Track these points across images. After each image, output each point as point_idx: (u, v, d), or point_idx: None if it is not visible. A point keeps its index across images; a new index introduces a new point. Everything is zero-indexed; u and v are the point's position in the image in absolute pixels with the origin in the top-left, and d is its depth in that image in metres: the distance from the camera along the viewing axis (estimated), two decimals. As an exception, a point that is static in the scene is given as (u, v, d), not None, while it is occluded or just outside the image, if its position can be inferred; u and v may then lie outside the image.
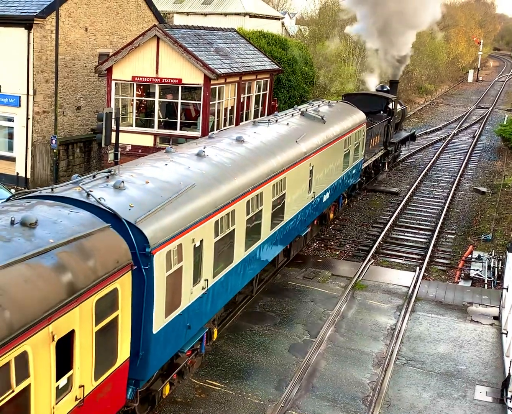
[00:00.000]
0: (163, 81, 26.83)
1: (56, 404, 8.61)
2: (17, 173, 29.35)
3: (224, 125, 28.39)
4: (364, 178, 32.07)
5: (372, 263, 22.48)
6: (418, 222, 28.45)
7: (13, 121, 29.21)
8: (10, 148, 29.61)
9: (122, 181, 11.77)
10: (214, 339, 15.21)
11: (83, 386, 9.23)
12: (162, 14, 40.09)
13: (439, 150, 45.05)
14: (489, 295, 19.94)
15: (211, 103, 27.00)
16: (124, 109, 27.94)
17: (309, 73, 42.10)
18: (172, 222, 11.74)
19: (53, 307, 8.29)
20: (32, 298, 8.05)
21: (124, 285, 10.03)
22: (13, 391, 7.68)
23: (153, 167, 13.46)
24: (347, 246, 24.88)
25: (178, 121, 27.23)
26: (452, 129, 54.48)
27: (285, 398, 13.53)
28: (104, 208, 10.72)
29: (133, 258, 10.34)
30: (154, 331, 11.29)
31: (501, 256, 23.22)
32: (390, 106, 36.25)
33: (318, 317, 17.63)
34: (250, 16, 59.92)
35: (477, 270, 22.71)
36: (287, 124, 20.94)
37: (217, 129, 27.09)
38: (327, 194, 23.27)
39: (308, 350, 15.64)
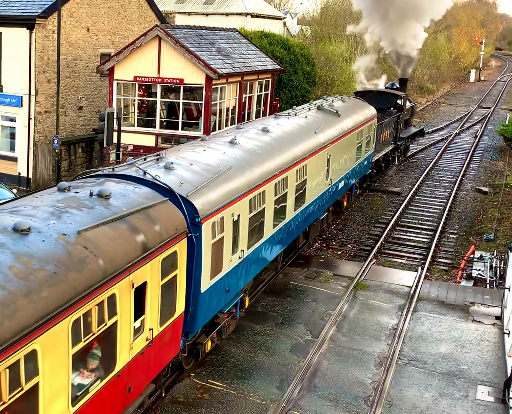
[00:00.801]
0: (164, 81, 26.84)
1: (133, 341, 10.42)
2: (19, 173, 29.38)
3: (226, 125, 28.39)
4: (375, 171, 33.46)
5: (374, 263, 22.47)
6: (420, 222, 28.43)
7: (15, 121, 29.23)
8: (12, 148, 29.63)
9: (171, 163, 13.57)
10: (245, 307, 16.84)
11: (151, 329, 11.00)
12: (163, 14, 40.12)
13: (441, 149, 45.03)
14: (491, 295, 19.92)
15: (212, 103, 27.00)
16: (126, 109, 27.96)
17: (311, 73, 42.07)
18: (216, 198, 13.55)
19: (132, 261, 10.04)
20: (117, 252, 9.78)
21: (181, 249, 11.81)
22: (106, 324, 9.44)
23: (194, 152, 15.34)
24: (349, 246, 24.88)
25: (180, 121, 27.24)
26: (454, 129, 54.46)
27: (287, 398, 13.53)
28: (160, 184, 12.49)
29: None
30: (202, 290, 13.09)
31: (503, 256, 23.20)
32: (400, 102, 37.50)
33: (320, 317, 17.62)
34: (252, 16, 59.89)
35: (479, 270, 22.69)
36: (306, 117, 22.54)
37: (218, 129, 27.13)
38: (342, 182, 25.06)
39: (310, 350, 15.64)
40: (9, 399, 7.47)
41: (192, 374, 14.18)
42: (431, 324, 17.65)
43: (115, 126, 22.60)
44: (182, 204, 12.34)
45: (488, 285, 21.47)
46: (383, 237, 25.33)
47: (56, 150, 28.17)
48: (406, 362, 15.46)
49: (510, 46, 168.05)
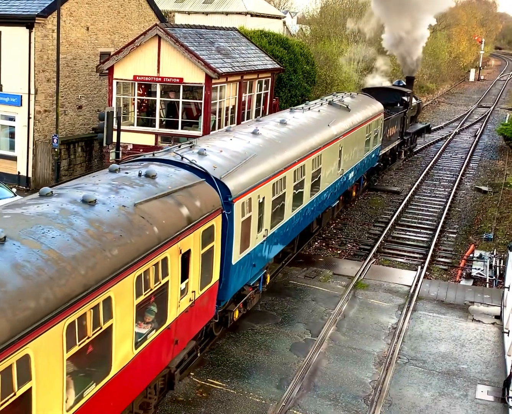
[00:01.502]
0: (164, 80, 26.82)
1: (180, 300, 11.97)
2: (19, 172, 29.37)
3: (226, 124, 28.37)
4: (382, 164, 34.65)
5: (373, 262, 22.47)
6: (419, 221, 28.44)
7: (14, 120, 29.21)
8: (12, 148, 29.61)
9: (204, 149, 15.13)
10: (267, 283, 18.20)
11: (194, 292, 12.56)
12: (163, 13, 40.08)
13: (441, 149, 45.05)
14: (490, 294, 19.93)
15: (212, 102, 26.99)
16: (126, 108, 27.95)
17: (310, 72, 42.07)
18: (244, 181, 15.03)
19: (180, 230, 11.59)
20: (167, 222, 11.31)
21: (217, 224, 13.41)
22: (160, 283, 10.97)
23: (222, 141, 16.87)
24: (348, 245, 24.88)
25: (180, 120, 27.23)
26: (454, 128, 54.46)
27: (287, 397, 13.53)
28: (197, 167, 13.99)
29: None
30: (233, 262, 14.57)
31: (502, 255, 23.21)
32: (406, 99, 39.07)
33: (320, 316, 17.62)
34: (252, 15, 59.87)
35: (478, 269, 22.70)
36: (319, 111, 24.00)
37: (218, 128, 27.13)
38: (352, 173, 26.64)
39: (310, 349, 15.65)
40: (93, 334, 9.07)
41: (191, 373, 14.19)
42: (431, 323, 17.65)
43: (115, 125, 22.59)
44: (216, 185, 13.78)
45: (487, 284, 21.47)
46: (382, 236, 25.34)
47: (56, 149, 28.17)
48: (406, 361, 15.46)
49: (510, 45, 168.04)
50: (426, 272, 22.02)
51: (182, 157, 14.30)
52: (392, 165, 37.75)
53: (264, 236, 16.45)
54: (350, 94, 31.13)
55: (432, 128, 49.57)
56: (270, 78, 33.08)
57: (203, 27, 31.11)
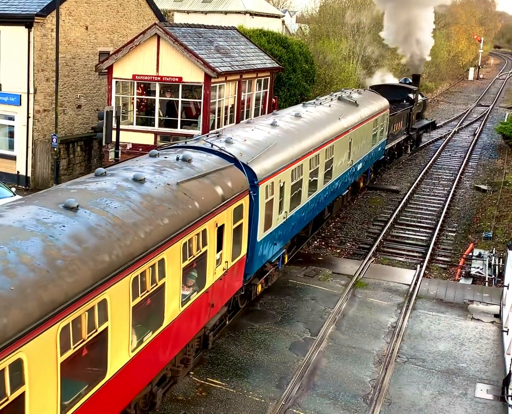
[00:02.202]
0: (163, 79, 26.81)
1: (216, 268, 13.60)
2: (18, 172, 29.37)
3: (225, 124, 28.38)
4: (388, 157, 36.79)
5: (372, 261, 22.49)
6: (418, 220, 28.46)
7: (13, 119, 29.19)
8: (11, 147, 29.59)
9: (231, 138, 16.60)
10: (285, 263, 19.86)
11: (227, 262, 14.13)
12: (162, 13, 40.04)
13: (440, 148, 45.07)
14: (489, 293, 19.94)
15: (211, 101, 26.98)
16: (125, 107, 27.93)
17: (309, 71, 42.07)
18: (267, 166, 16.57)
19: (216, 206, 13.20)
20: (205, 199, 12.92)
21: (245, 203, 15.06)
22: (200, 251, 12.63)
23: (244, 131, 18.38)
24: (347, 244, 24.89)
25: (179, 119, 27.22)
26: (453, 127, 54.47)
27: (286, 396, 13.54)
28: (226, 153, 15.48)
29: None
30: (258, 239, 16.11)
31: (501, 254, 23.23)
32: (412, 96, 41.02)
33: (319, 315, 17.63)
34: (251, 14, 59.86)
35: (477, 268, 22.72)
36: (330, 106, 25.68)
37: (217, 127, 27.12)
38: (360, 164, 28.48)
39: (309, 348, 15.65)
40: (151, 289, 10.67)
41: (191, 373, 14.19)
42: (430, 322, 17.66)
43: (114, 125, 22.58)
44: (244, 169, 15.25)
45: (487, 283, 21.49)
46: (381, 235, 25.36)
47: (55, 149, 28.15)
48: (405, 360, 15.48)
49: (509, 44, 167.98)
50: (426, 271, 22.04)
51: (212, 145, 15.81)
52: (399, 158, 39.69)
53: (284, 217, 18.06)
54: (358, 90, 32.99)
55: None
56: (269, 77, 33.08)
57: (202, 26, 31.09)
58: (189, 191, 12.58)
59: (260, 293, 17.81)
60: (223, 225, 13.71)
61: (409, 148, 41.86)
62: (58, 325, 8.22)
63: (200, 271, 12.98)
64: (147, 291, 10.53)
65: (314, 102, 25.74)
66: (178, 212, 11.76)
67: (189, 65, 26.40)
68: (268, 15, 62.62)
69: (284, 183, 17.62)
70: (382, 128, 32.55)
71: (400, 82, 45.65)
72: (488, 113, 63.56)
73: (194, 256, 12.31)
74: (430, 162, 39.98)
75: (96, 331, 9.16)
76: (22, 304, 7.67)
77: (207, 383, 13.89)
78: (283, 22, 69.95)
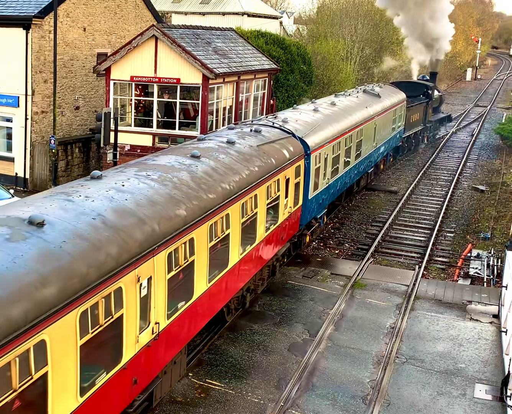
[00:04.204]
0: (161, 80, 26.79)
1: (284, 210, 18.32)
2: (16, 174, 29.34)
3: (223, 125, 28.36)
4: (406, 145, 41.75)
5: (371, 262, 22.49)
6: (417, 220, 28.46)
7: (11, 121, 29.16)
8: (9, 149, 29.56)
9: (286, 118, 21.33)
10: (324, 222, 25.15)
11: (291, 207, 18.93)
12: (160, 14, 40.07)
13: (438, 148, 45.10)
14: (488, 293, 19.95)
15: (209, 102, 26.97)
16: (123, 109, 27.90)
17: (307, 72, 42.07)
18: (316, 140, 21.23)
19: (284, 164, 17.80)
20: (277, 158, 17.45)
21: (302, 165, 19.74)
22: (276, 194, 17.29)
23: (294, 114, 23.05)
24: (346, 245, 24.89)
25: (177, 120, 27.20)
26: (451, 127, 54.51)
27: (285, 397, 13.54)
28: (285, 129, 20.15)
29: None
30: (309, 197, 20.83)
31: (500, 254, 23.24)
32: (429, 91, 46.20)
33: (318, 316, 17.63)
34: (248, 15, 59.86)
35: (476, 268, 22.73)
36: (357, 97, 30.91)
37: (215, 129, 27.10)
38: (383, 147, 33.56)
39: (308, 349, 15.65)
40: (249, 217, 15.42)
41: (190, 374, 14.18)
42: (429, 322, 17.67)
43: (112, 126, 22.57)
44: (299, 141, 19.79)
45: (485, 284, 21.50)
46: (380, 236, 25.36)
47: (53, 150, 28.12)
48: (404, 360, 15.48)
49: (506, 45, 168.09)
50: (424, 272, 22.05)
51: (273, 123, 20.48)
52: (417, 147, 44.43)
53: (327, 183, 22.76)
54: (379, 85, 38.87)
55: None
56: (267, 78, 33.07)
57: (200, 28, 31.07)
58: (267, 151, 17.11)
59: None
60: (288, 179, 18.29)
61: (426, 139, 46.59)
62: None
63: (275, 210, 17.33)
64: (249, 216, 15.13)
65: (343, 93, 31.23)
66: (262, 164, 16.24)
67: (187, 67, 26.39)
68: (265, 16, 62.62)
69: (327, 155, 22.36)
70: (400, 118, 37.66)
71: (418, 79, 50.90)
72: (486, 113, 63.61)
73: (272, 198, 16.79)
74: (428, 162, 40.00)
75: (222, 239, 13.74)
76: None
77: (206, 384, 13.88)
78: (280, 23, 69.98)
